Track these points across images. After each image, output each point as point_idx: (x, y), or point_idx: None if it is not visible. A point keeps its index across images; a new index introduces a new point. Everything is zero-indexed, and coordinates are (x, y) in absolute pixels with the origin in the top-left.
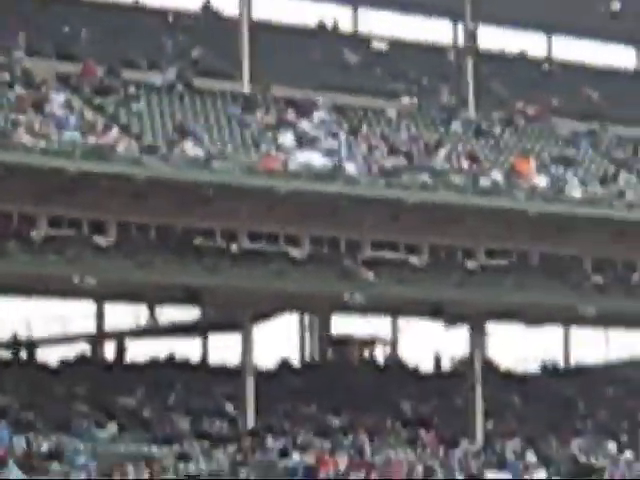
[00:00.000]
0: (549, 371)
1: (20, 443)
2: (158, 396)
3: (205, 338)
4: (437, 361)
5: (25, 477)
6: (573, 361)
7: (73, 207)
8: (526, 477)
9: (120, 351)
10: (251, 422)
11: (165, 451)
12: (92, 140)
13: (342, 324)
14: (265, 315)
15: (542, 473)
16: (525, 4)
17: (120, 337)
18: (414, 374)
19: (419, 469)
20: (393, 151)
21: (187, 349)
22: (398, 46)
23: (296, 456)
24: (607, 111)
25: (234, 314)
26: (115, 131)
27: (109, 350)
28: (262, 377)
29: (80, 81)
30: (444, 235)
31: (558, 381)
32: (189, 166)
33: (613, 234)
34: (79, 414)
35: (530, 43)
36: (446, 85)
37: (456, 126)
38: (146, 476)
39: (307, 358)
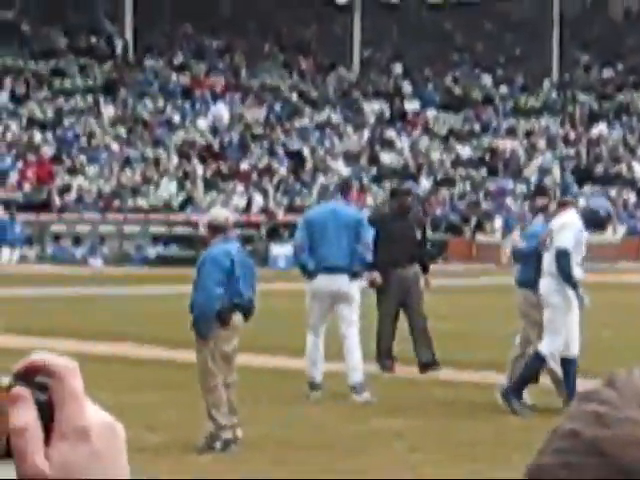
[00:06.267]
0: (429, 3)
1: None
2: (36, 10)
3: None
4: None
5: None
6: None
7: None
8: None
9: None
10: (130, 41)
11: (41, 66)
12: None
13: None
14: None
15: (416, 103)
16: None
17: None
18: None
19: (294, 95)
20: None
21: None
22: None
23: (173, 77)
24: None
25: None
26: None
27: None
28: None
29: None
30: None
31: (437, 14)
32: None
33: None
34: None
35: None
36: None
37: None
38: (23, 90)
39: None
